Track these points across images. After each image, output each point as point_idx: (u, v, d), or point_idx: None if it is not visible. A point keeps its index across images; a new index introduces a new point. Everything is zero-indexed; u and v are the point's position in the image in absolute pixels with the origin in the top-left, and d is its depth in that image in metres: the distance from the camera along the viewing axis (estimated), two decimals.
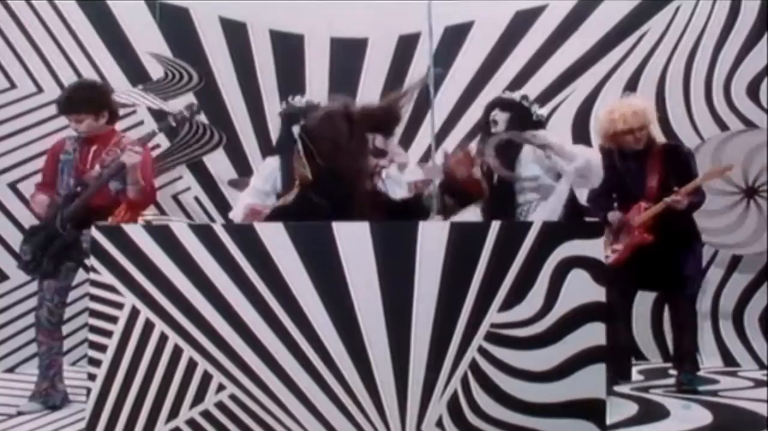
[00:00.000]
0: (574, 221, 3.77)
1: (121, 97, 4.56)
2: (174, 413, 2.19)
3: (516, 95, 4.23)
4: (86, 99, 3.93)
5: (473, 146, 3.84)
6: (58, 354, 3.91)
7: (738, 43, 5.01)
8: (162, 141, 5.28)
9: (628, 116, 4.21)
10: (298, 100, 4.40)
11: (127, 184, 3.80)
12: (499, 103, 4.23)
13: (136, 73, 5.31)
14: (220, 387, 2.19)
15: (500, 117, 4.14)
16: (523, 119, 4.12)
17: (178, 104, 5.18)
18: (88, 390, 2.19)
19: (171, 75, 5.16)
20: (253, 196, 4.08)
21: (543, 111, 4.28)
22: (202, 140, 5.31)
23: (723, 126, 5.05)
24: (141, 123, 5.35)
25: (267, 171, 4.18)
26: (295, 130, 4.20)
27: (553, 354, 2.19)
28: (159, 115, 5.33)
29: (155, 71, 5.27)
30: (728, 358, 5.05)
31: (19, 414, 3.73)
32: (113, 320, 2.20)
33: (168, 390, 2.19)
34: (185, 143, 5.29)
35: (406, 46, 5.82)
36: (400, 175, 4.05)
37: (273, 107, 5.38)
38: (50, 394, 3.86)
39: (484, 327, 2.18)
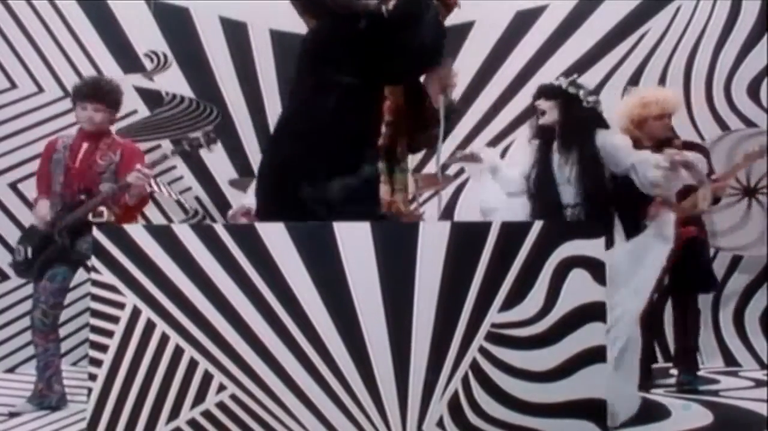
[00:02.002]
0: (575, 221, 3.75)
1: None
2: (175, 413, 2.19)
3: (562, 81, 3.77)
4: (112, 92, 3.97)
5: None
6: (54, 356, 3.89)
7: (738, 43, 5.02)
8: (142, 110, 5.31)
9: (662, 102, 4.11)
10: None
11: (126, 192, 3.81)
12: (543, 92, 3.78)
13: (136, 73, 5.32)
14: (221, 387, 2.19)
15: (545, 105, 3.71)
16: (572, 106, 3.68)
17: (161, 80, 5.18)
18: (89, 390, 2.19)
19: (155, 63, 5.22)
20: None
21: (595, 97, 3.75)
22: (192, 116, 5.32)
23: (723, 126, 5.06)
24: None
25: None
26: None
27: (554, 354, 2.19)
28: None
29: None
30: (729, 358, 5.06)
31: (11, 414, 3.71)
32: (114, 320, 2.20)
33: (169, 390, 2.19)
34: (171, 116, 5.32)
35: None
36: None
37: (273, 107, 5.38)
38: (46, 395, 3.83)
39: (484, 327, 2.18)
